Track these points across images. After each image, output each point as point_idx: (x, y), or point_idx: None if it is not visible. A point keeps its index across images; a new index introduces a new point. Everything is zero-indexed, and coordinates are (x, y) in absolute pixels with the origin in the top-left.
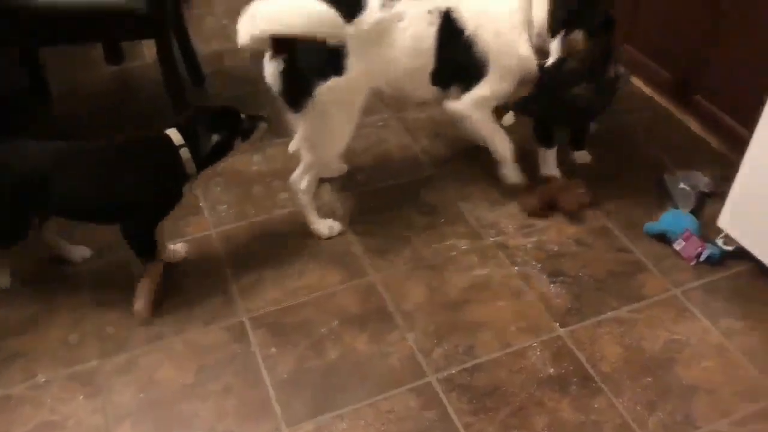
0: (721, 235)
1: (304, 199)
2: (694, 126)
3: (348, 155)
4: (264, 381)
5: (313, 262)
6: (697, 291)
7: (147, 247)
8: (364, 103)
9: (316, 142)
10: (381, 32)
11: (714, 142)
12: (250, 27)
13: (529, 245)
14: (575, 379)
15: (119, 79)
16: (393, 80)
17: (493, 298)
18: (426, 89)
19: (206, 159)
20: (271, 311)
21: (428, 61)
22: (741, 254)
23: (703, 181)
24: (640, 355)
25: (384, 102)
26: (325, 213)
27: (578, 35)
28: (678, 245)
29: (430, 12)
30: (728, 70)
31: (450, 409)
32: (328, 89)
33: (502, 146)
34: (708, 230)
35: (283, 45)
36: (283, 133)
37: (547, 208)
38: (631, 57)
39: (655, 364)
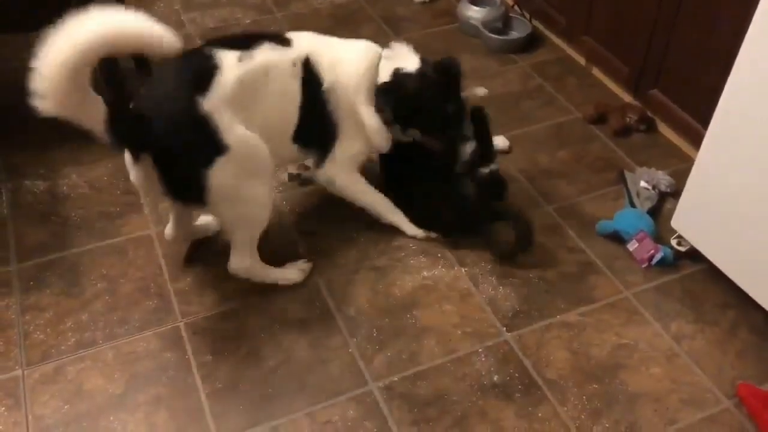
0: (675, 236)
1: (259, 272)
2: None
3: None
4: (198, 391)
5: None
6: (649, 293)
7: None
8: (269, 157)
9: (240, 221)
10: (247, 89)
11: (672, 137)
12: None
13: (479, 245)
14: (520, 387)
15: None
16: (263, 138)
17: (440, 301)
18: (287, 148)
19: None
20: (208, 316)
21: (293, 117)
22: (694, 255)
23: (665, 180)
24: (587, 360)
25: None
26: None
27: (416, 133)
28: (631, 246)
29: (294, 63)
30: (684, 65)
31: (390, 420)
32: (219, 171)
33: (381, 206)
34: (663, 231)
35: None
36: None
37: (598, 120)
38: (590, 48)
39: (602, 371)
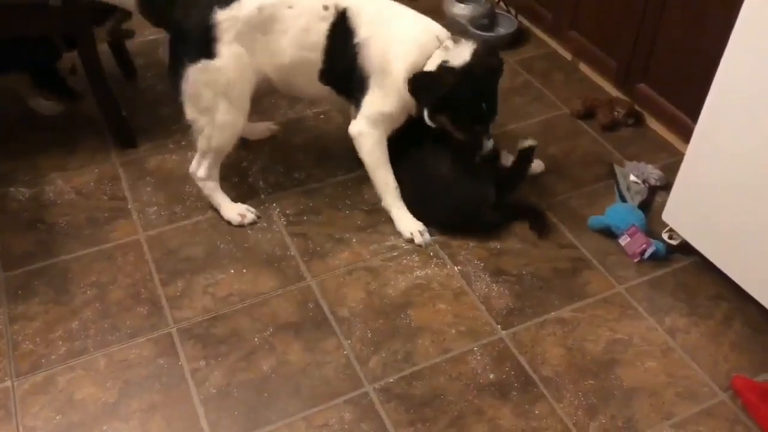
0: (666, 230)
1: (208, 187)
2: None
3: (286, 151)
4: (192, 397)
5: (247, 267)
6: (642, 287)
7: None
8: (251, 91)
9: (200, 127)
10: (266, 18)
11: (661, 131)
12: None
13: (471, 243)
14: (516, 384)
15: None
16: (280, 70)
17: (434, 301)
18: (316, 86)
19: None
20: (201, 321)
21: (315, 57)
22: (686, 248)
23: (655, 174)
24: (582, 356)
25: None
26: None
27: (443, 119)
28: (623, 241)
29: (325, 7)
30: (671, 58)
31: (387, 421)
32: (197, 71)
33: (387, 188)
34: (654, 225)
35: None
36: None
37: (586, 116)
38: (576, 43)
39: (597, 366)
